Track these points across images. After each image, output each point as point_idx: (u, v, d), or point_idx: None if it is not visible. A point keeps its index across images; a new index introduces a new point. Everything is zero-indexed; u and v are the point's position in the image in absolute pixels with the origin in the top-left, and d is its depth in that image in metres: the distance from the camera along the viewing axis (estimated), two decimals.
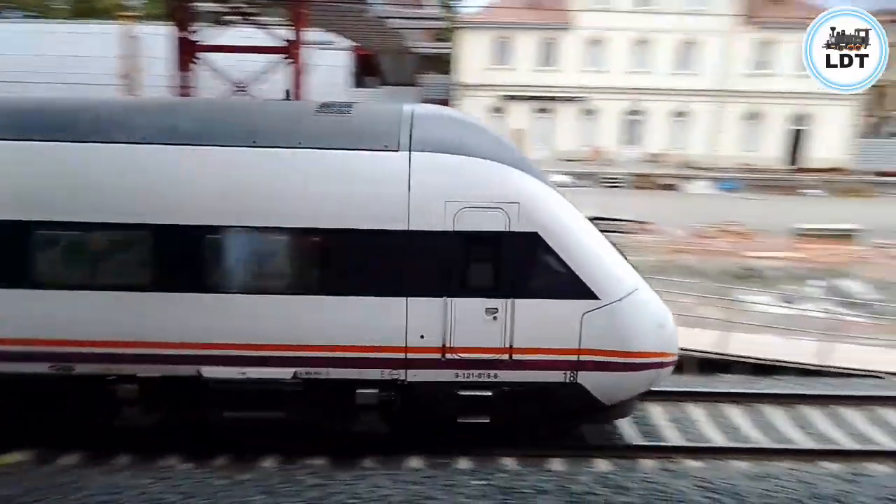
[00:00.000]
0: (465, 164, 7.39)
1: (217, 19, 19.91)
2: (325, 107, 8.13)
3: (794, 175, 39.94)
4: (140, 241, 7.33)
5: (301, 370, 7.51)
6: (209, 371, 7.48)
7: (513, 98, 42.77)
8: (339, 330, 7.42)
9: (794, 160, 42.60)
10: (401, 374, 7.56)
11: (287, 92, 11.36)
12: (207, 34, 18.60)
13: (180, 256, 7.34)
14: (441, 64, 49.41)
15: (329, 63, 39.57)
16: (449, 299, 7.35)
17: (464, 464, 8.00)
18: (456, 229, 7.25)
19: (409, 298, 7.35)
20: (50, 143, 7.37)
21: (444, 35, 49.76)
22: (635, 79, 42.29)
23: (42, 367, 7.44)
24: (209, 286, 7.36)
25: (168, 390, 7.62)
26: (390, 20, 29.49)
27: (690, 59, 42.42)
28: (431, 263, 7.30)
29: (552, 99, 42.73)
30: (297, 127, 7.71)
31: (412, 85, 49.03)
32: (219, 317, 7.39)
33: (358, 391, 7.60)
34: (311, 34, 22.07)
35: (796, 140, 42.80)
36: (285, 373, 7.49)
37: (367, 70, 48.02)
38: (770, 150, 42.82)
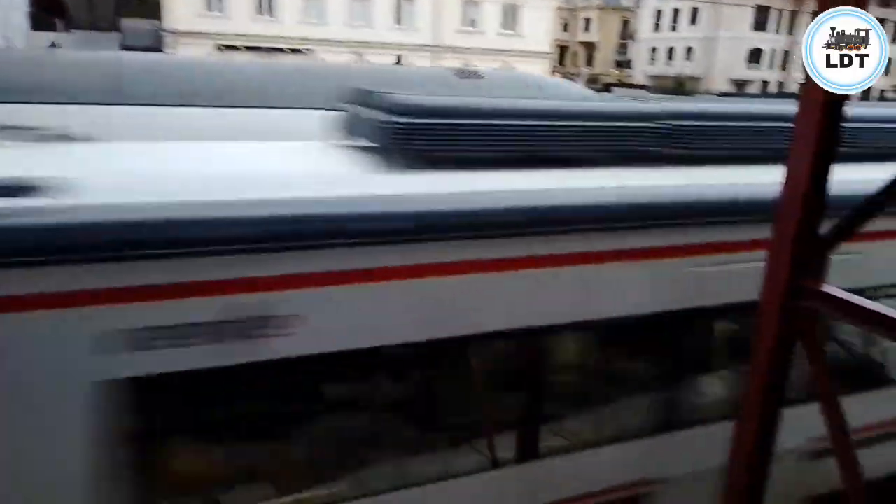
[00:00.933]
0: None
1: None
2: (461, 73, 8.35)
3: None
4: None
5: None
6: None
7: (230, 48, 40.40)
8: None
9: None
10: None
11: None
12: None
13: None
14: (150, 8, 44.59)
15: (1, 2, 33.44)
16: None
17: None
18: None
19: None
20: None
21: None
22: (356, 32, 42.61)
23: None
24: None
25: None
26: None
27: (406, 14, 43.92)
28: None
29: (276, 50, 41.26)
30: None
31: (111, 30, 43.57)
32: None
33: None
34: None
35: None
36: None
37: (51, 11, 41.38)
38: None
